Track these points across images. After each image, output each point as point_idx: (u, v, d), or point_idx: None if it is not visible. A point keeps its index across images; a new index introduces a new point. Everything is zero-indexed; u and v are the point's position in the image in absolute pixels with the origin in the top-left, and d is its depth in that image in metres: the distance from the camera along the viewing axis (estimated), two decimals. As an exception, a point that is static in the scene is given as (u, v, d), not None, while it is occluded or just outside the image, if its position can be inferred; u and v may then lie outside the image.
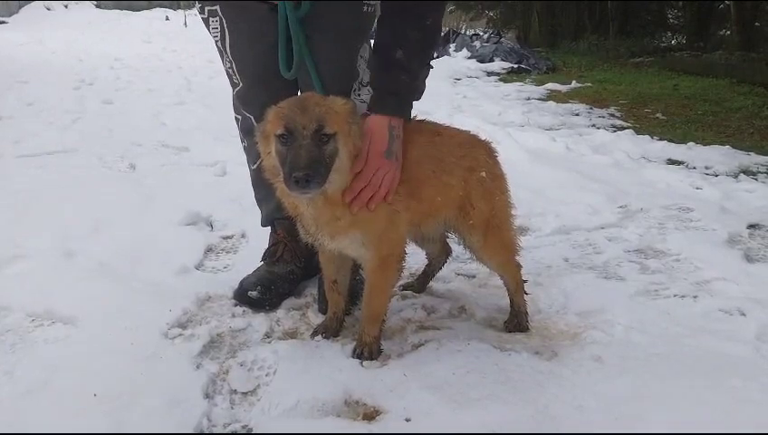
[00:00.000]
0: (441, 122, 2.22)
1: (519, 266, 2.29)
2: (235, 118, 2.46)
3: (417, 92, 2.03)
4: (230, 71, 2.32)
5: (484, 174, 2.08)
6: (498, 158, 2.22)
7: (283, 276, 2.44)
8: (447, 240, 2.45)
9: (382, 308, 2.05)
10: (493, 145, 2.25)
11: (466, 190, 2.07)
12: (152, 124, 5.54)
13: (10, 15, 17.01)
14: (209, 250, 2.91)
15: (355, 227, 1.86)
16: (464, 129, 2.22)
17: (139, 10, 20.28)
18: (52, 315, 2.21)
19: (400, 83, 1.95)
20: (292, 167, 1.67)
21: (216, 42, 2.30)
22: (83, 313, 2.20)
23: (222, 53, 2.30)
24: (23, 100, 6.40)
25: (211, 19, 2.26)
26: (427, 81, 2.06)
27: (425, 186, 1.98)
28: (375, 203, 1.83)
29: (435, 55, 2.11)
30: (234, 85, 2.35)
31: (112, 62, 9.85)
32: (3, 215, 3.07)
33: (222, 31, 2.25)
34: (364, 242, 1.90)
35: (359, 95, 2.30)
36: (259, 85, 2.26)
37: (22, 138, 4.74)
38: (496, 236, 2.16)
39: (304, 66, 2.12)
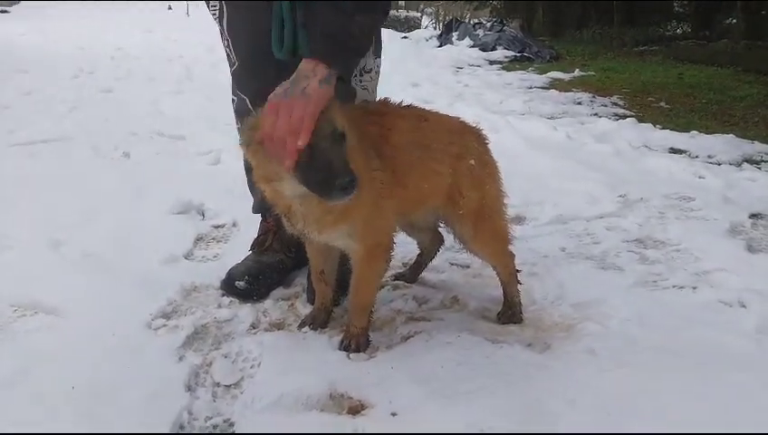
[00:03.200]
0: (441, 111, 2.16)
1: (512, 256, 2.23)
2: (232, 99, 2.41)
3: (354, 39, 1.79)
4: (228, 50, 2.28)
5: (473, 162, 2.02)
6: (489, 145, 2.16)
7: (272, 266, 2.39)
8: (439, 229, 2.40)
9: (370, 299, 1.99)
10: (484, 132, 2.18)
11: (455, 178, 2.01)
12: (149, 113, 5.49)
13: (12, 5, 16.95)
14: (199, 239, 2.87)
15: (343, 220, 1.80)
16: (453, 115, 2.16)
17: (143, -1, 20.22)
18: (36, 306, 2.16)
19: (332, 24, 1.77)
20: (335, 173, 1.58)
21: (216, 20, 2.27)
22: (67, 303, 2.16)
23: (221, 32, 2.27)
24: (21, 89, 6.36)
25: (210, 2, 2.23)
26: (372, 34, 1.89)
27: (411, 173, 1.92)
28: (291, 157, 1.61)
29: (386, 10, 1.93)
30: (231, 65, 2.31)
31: (113, 52, 9.79)
32: (-9, 202, 3.04)
33: (221, 9, 2.22)
34: (351, 233, 1.84)
35: (360, 81, 2.24)
36: (254, 65, 2.20)
37: (17, 127, 4.70)
38: (487, 226, 2.10)
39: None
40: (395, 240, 2.00)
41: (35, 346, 1.94)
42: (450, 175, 2.00)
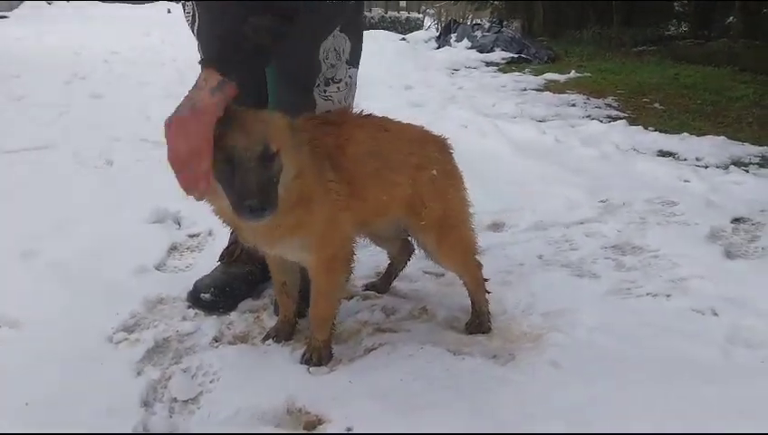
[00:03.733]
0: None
1: (479, 266, 2.21)
2: None
3: (247, 41, 1.65)
4: (200, 54, 2.27)
5: (435, 172, 2.00)
6: (453, 154, 2.13)
7: (241, 277, 2.37)
8: (409, 239, 2.37)
9: (331, 312, 1.97)
10: (448, 141, 2.15)
11: (416, 189, 1.99)
12: (137, 118, 5.46)
13: (11, 10, 16.99)
14: (173, 249, 2.85)
15: (293, 232, 1.77)
16: (416, 124, 2.14)
17: (143, 2, 20.24)
18: (-1, 319, 2.16)
19: (222, 28, 1.71)
20: (243, 194, 1.54)
21: (189, 26, 2.25)
22: (30, 315, 2.14)
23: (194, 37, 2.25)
24: (11, 94, 6.34)
25: (185, 4, 2.22)
26: (272, 36, 1.70)
27: (368, 184, 1.90)
28: (200, 184, 1.57)
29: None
30: None
31: (108, 56, 9.77)
32: (-36, 214, 3.02)
33: (193, 15, 2.20)
34: (304, 246, 1.82)
35: (324, 91, 2.21)
36: None
37: (2, 134, 4.68)
38: (451, 237, 2.08)
39: None
40: (355, 251, 1.99)
41: (-6, 361, 1.93)
42: (410, 185, 1.98)
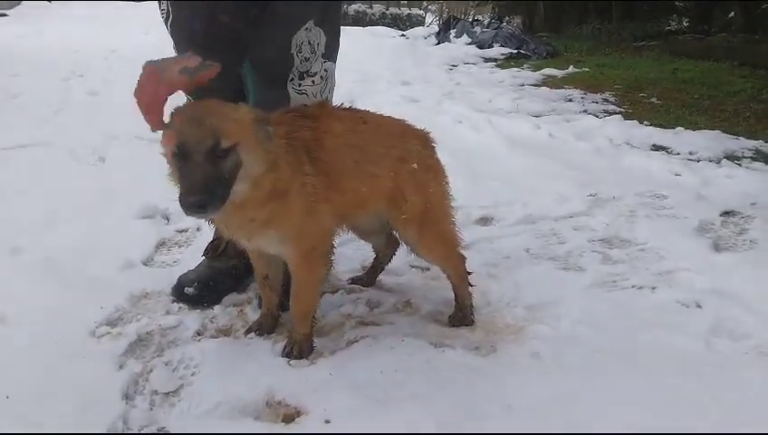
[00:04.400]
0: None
1: (461, 259, 2.21)
2: None
3: (222, 28, 1.79)
4: (175, 52, 2.27)
5: (416, 165, 2.00)
6: (435, 148, 2.14)
7: (225, 272, 2.38)
8: (394, 233, 2.38)
9: (311, 305, 1.98)
10: (431, 135, 2.16)
11: (397, 182, 1.99)
12: (132, 115, 5.44)
13: (11, 8, 17.01)
14: (161, 244, 2.86)
15: (270, 225, 1.78)
16: (401, 118, 2.14)
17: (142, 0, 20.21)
18: (-16, 313, 2.17)
19: (201, 16, 1.79)
20: (186, 190, 1.56)
21: (164, 22, 2.25)
22: (15, 310, 2.15)
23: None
24: (9, 92, 6.36)
25: (161, 2, 2.23)
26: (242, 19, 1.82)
27: (347, 177, 1.90)
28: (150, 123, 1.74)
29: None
30: None
31: (107, 54, 9.78)
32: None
33: (167, 11, 2.20)
34: (282, 239, 1.83)
35: (299, 85, 2.22)
36: None
37: (-2, 131, 4.71)
38: (433, 230, 2.09)
39: None
40: (335, 244, 1.99)
41: (-23, 355, 1.94)
42: (391, 179, 1.98)
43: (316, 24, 2.18)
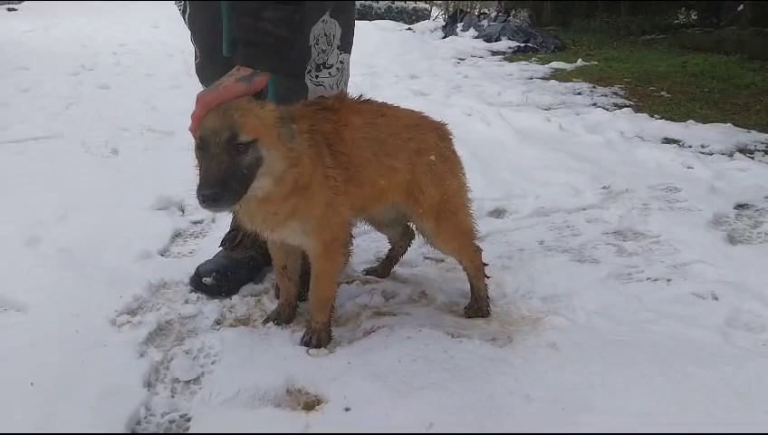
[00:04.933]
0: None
1: (478, 251, 2.22)
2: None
3: (268, 36, 1.73)
4: (192, 44, 2.29)
5: (433, 157, 2.01)
6: (452, 140, 2.14)
7: (242, 262, 2.40)
8: (409, 225, 2.39)
9: (330, 294, 2.00)
10: (447, 127, 2.16)
11: (414, 174, 2.00)
12: (143, 109, 5.51)
13: (21, 2, 17.05)
14: (177, 235, 2.88)
15: (292, 218, 1.80)
16: (416, 110, 2.15)
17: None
18: (5, 302, 2.19)
19: (241, 27, 1.76)
20: (202, 182, 1.57)
21: (180, 15, 2.29)
22: (36, 300, 2.18)
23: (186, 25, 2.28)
24: (19, 86, 6.40)
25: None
26: (289, 25, 1.77)
27: (366, 169, 1.91)
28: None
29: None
30: (195, 58, 2.32)
31: (116, 48, 9.82)
32: (-27, 201, 3.07)
33: (184, 4, 2.23)
34: (305, 230, 1.84)
35: (315, 76, 2.23)
36: (213, 59, 2.21)
37: (10, 124, 4.73)
38: (450, 222, 2.10)
39: None
40: (353, 235, 2.00)
41: (0, 343, 1.96)
42: (409, 171, 1.99)
43: (332, 17, 2.19)
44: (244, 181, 1.63)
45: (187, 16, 2.24)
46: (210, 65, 2.19)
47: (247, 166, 1.63)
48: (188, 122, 1.74)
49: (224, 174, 1.58)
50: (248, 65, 1.71)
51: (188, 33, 2.30)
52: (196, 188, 1.62)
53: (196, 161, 1.69)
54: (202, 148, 1.64)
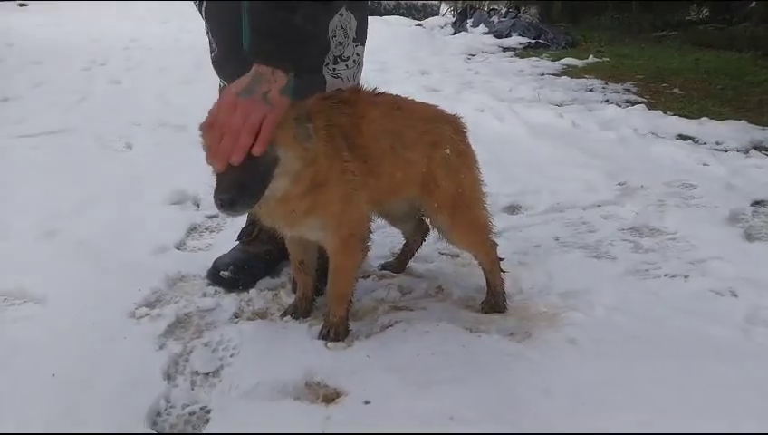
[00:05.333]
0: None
1: (493, 245, 2.21)
2: (219, 86, 2.42)
3: (301, 32, 1.68)
4: (208, 36, 2.29)
5: (448, 151, 2.00)
6: (467, 133, 2.13)
7: (259, 256, 2.40)
8: (423, 219, 2.38)
9: (348, 289, 2.00)
10: (462, 120, 2.15)
11: (430, 168, 1.99)
12: (156, 103, 5.51)
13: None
14: (193, 229, 2.88)
15: (310, 214, 1.80)
16: (434, 102, 2.14)
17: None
18: (25, 295, 2.20)
19: (273, 22, 1.69)
20: (218, 186, 1.57)
21: (196, 7, 2.27)
22: (54, 292, 2.19)
23: (201, 17, 2.27)
24: (32, 80, 6.43)
25: None
26: (322, 21, 1.78)
27: (383, 162, 1.91)
28: (239, 154, 1.56)
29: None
30: (211, 51, 2.31)
31: (127, 43, 9.83)
32: (-10, 194, 3.09)
33: None
34: (322, 226, 1.85)
35: (333, 69, 2.23)
36: (233, 50, 2.20)
37: (24, 118, 4.75)
38: (465, 216, 2.09)
39: None
40: (372, 229, 2.00)
41: (20, 335, 1.97)
42: (424, 164, 1.99)
43: (347, 9, 2.19)
44: (261, 183, 1.62)
45: (204, 9, 2.24)
46: (229, 58, 2.19)
47: (264, 167, 1.62)
48: (202, 116, 1.73)
49: (240, 176, 1.57)
50: (278, 65, 1.65)
51: (200, 28, 2.29)
52: (214, 191, 1.61)
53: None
54: None
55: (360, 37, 2.27)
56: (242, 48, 2.03)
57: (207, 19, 2.23)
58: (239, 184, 1.57)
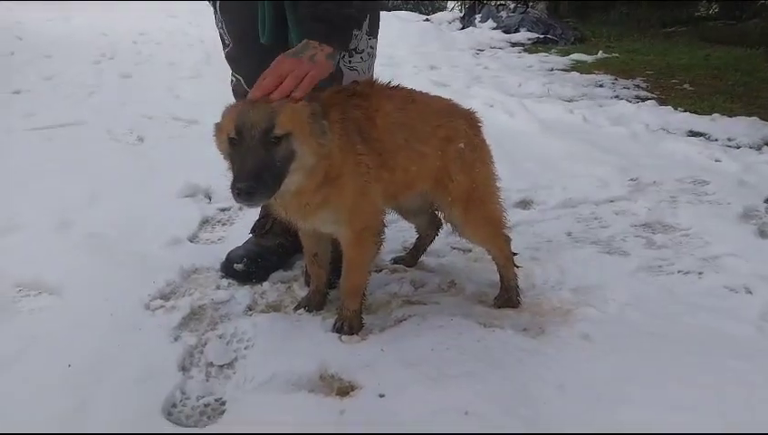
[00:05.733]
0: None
1: (507, 240, 2.21)
2: (231, 80, 2.42)
3: (350, 19, 1.92)
4: (221, 31, 2.29)
5: (462, 145, 2.00)
6: (481, 128, 2.13)
7: (272, 249, 2.41)
8: (437, 213, 2.38)
9: (361, 282, 2.00)
10: (476, 114, 2.15)
11: (444, 162, 1.99)
12: (166, 97, 5.52)
13: (40, -9, 17.09)
14: (205, 222, 2.89)
15: (325, 207, 1.81)
16: (445, 97, 2.14)
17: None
18: (39, 286, 2.21)
19: (326, 7, 1.85)
20: (237, 176, 1.59)
21: (209, 2, 2.28)
22: (69, 283, 2.20)
23: (214, 12, 2.27)
24: (42, 74, 6.43)
25: None
26: (367, 8, 1.97)
27: (397, 156, 1.90)
28: (279, 94, 1.72)
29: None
30: (225, 46, 2.32)
31: (136, 37, 9.84)
32: (3, 185, 3.09)
33: None
34: (336, 220, 1.85)
35: (349, 62, 2.23)
36: (248, 45, 2.21)
37: (35, 111, 4.75)
38: (478, 210, 2.08)
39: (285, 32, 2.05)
40: (385, 223, 2.00)
41: (35, 326, 1.98)
42: (438, 158, 1.98)
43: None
44: (277, 175, 1.64)
45: (218, 5, 2.24)
46: (245, 53, 2.19)
47: (281, 159, 1.64)
48: (219, 110, 1.81)
49: (259, 167, 1.60)
50: (328, 42, 1.83)
51: (208, 22, 2.31)
52: (231, 180, 1.63)
53: (228, 152, 1.71)
54: (236, 141, 1.65)
55: (373, 30, 2.27)
56: (257, 42, 2.04)
57: (222, 14, 2.23)
58: (257, 174, 1.58)
